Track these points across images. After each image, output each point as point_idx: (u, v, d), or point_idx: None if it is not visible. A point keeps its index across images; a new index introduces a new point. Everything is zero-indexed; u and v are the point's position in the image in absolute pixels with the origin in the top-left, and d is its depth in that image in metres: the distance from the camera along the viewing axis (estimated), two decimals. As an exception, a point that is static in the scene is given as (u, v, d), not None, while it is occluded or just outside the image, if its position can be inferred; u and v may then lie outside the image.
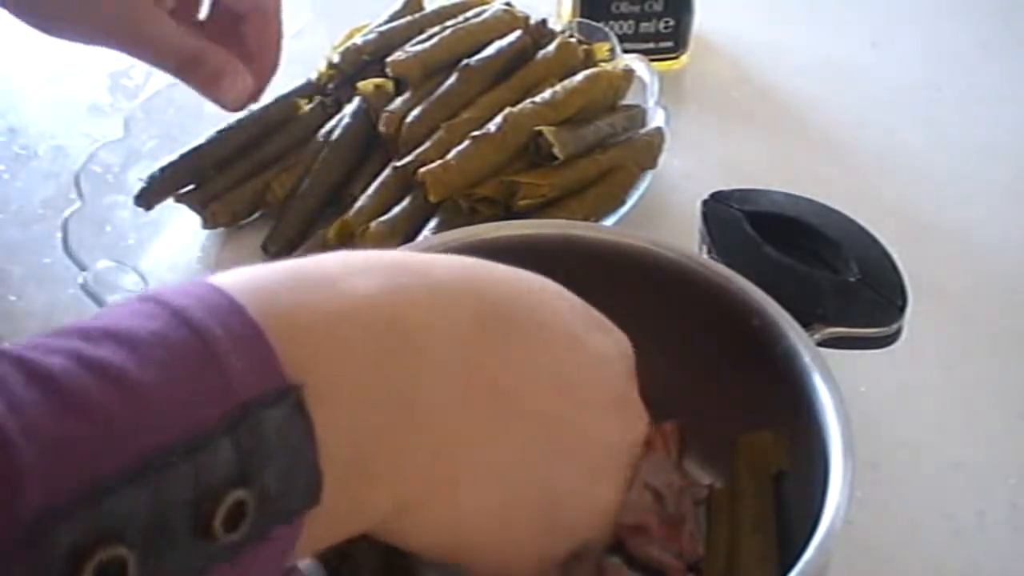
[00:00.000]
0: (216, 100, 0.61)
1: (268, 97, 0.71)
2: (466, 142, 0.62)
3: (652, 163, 0.65)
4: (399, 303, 0.30)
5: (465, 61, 0.66)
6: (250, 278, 0.28)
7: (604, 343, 0.37)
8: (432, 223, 0.61)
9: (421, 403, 0.30)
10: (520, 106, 0.63)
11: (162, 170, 0.65)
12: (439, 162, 0.61)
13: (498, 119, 0.62)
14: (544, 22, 0.71)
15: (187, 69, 0.58)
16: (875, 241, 0.50)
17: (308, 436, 0.27)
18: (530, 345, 0.33)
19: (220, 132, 0.67)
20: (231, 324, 0.26)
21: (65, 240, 0.59)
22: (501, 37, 0.68)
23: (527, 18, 0.71)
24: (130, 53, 0.58)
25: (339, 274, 0.30)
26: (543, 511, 0.34)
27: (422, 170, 0.61)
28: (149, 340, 0.25)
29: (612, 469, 0.36)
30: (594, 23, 0.74)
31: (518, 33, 0.68)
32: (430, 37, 0.68)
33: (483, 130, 0.62)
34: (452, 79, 0.66)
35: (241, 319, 0.27)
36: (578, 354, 0.35)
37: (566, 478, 0.34)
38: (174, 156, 0.66)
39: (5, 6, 0.56)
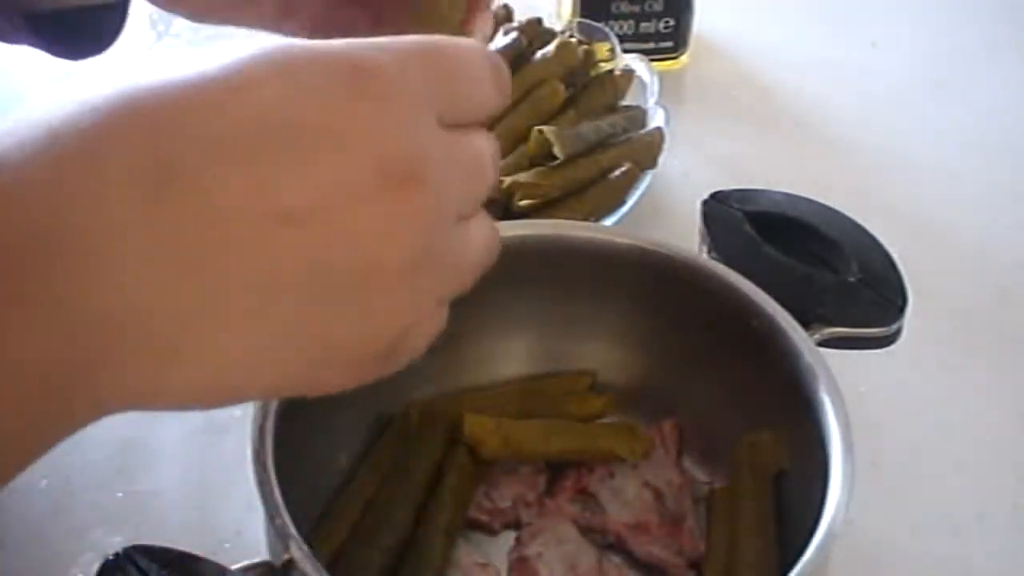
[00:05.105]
0: None
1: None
2: (466, 142, 0.61)
3: (652, 163, 0.65)
4: (56, 191, 0.25)
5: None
6: None
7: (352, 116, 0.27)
8: (432, 223, 0.61)
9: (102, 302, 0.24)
10: (520, 106, 0.63)
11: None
12: (439, 162, 0.61)
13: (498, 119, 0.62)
14: (539, 21, 0.71)
15: None
16: (875, 241, 0.50)
17: None
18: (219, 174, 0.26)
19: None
20: None
21: (65, 240, 0.59)
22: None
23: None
24: None
25: None
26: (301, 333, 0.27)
27: (422, 170, 0.61)
28: None
29: (365, 266, 0.27)
30: (594, 23, 0.74)
31: (514, 35, 0.68)
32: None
33: (483, 130, 0.62)
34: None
35: None
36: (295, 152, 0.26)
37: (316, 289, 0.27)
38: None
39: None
